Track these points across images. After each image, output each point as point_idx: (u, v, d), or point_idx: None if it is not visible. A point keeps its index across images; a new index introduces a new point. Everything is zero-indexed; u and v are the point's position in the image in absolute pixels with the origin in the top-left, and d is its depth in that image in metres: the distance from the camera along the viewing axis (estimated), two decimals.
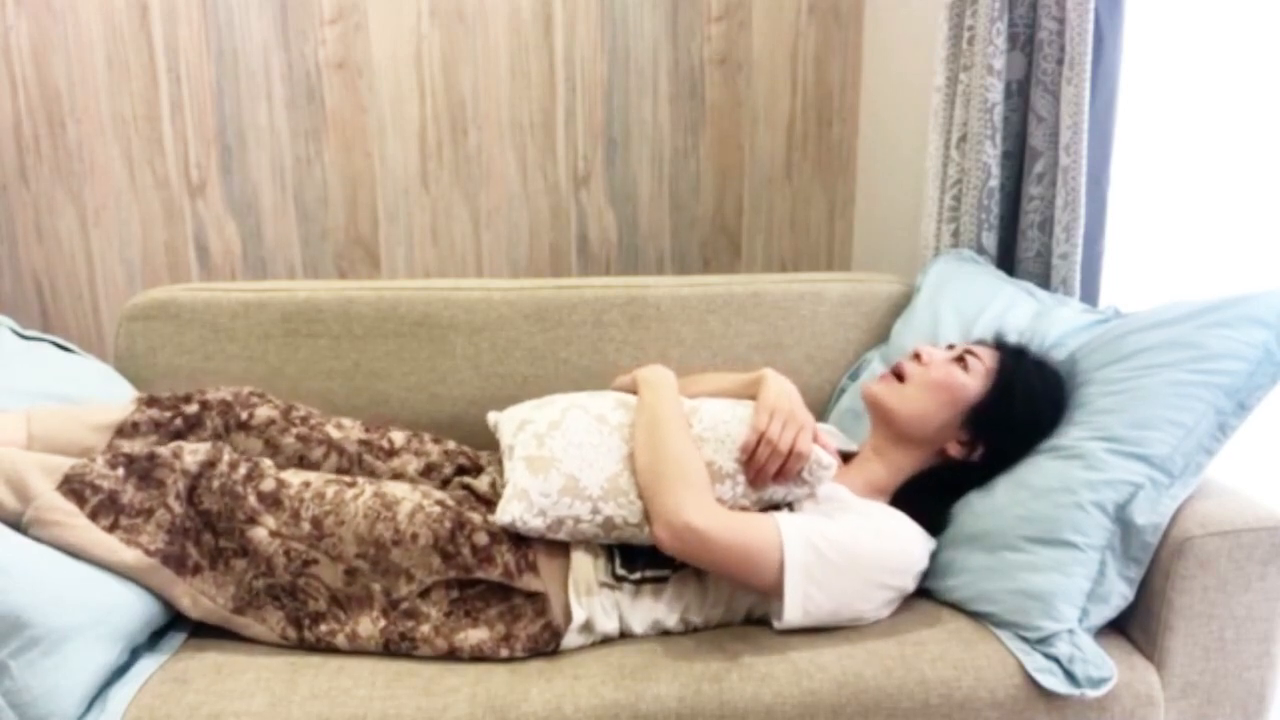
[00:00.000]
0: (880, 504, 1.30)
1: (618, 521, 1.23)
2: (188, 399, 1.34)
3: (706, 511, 1.17)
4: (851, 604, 1.20)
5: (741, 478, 1.25)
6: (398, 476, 1.38)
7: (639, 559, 1.24)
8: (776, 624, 1.20)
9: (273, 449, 1.34)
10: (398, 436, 1.42)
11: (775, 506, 1.27)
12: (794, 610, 1.17)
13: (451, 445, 1.46)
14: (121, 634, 1.11)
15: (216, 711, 1.08)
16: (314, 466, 1.36)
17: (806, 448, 1.24)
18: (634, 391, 1.37)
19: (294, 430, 1.36)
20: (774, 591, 1.19)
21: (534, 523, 1.21)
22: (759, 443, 1.24)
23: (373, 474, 1.37)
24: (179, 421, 1.32)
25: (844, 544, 1.19)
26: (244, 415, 1.35)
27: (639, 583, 1.23)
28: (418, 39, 2.10)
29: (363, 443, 1.39)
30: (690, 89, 2.22)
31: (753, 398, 1.33)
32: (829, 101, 2.28)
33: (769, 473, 1.24)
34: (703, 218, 2.30)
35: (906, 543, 1.25)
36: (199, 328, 1.63)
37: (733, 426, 1.27)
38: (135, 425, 1.30)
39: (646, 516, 1.22)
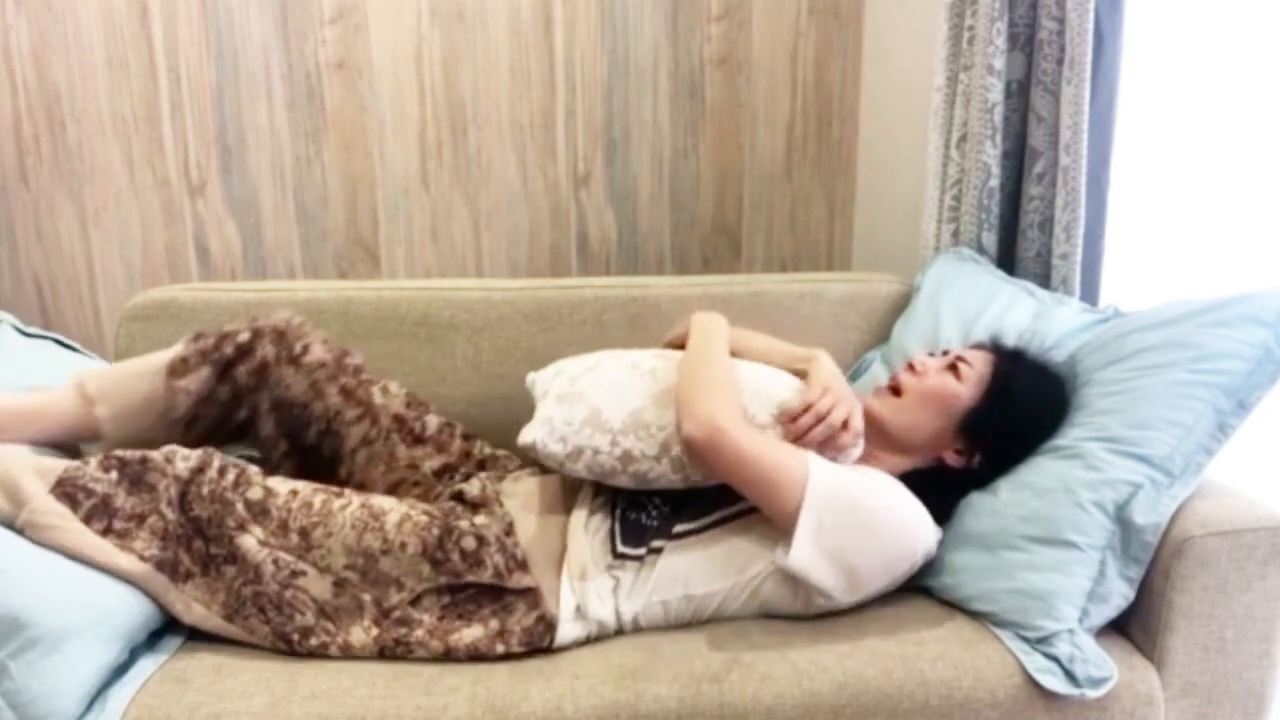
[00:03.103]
0: (899, 484, 1.29)
1: (635, 454, 1.24)
2: (236, 331, 1.32)
3: (739, 422, 1.19)
4: (856, 560, 1.18)
5: (771, 433, 1.25)
6: (400, 483, 1.36)
7: (643, 535, 1.25)
8: (779, 560, 1.18)
9: (315, 394, 1.32)
10: (432, 422, 1.40)
11: None
12: (802, 547, 1.15)
13: (476, 448, 1.46)
14: (120, 634, 1.11)
15: (216, 712, 1.08)
16: (343, 426, 1.34)
17: (860, 424, 1.26)
18: (682, 345, 1.38)
19: (341, 380, 1.34)
20: (787, 521, 1.17)
21: (554, 448, 1.24)
22: (804, 411, 1.24)
23: (391, 458, 1.35)
24: (229, 349, 1.30)
25: (866, 497, 1.19)
26: (298, 348, 1.32)
27: (640, 558, 1.23)
28: (418, 39, 2.10)
29: (397, 419, 1.37)
30: (690, 89, 2.22)
31: (798, 372, 1.35)
32: (829, 101, 2.28)
33: (814, 440, 1.24)
34: (703, 217, 2.30)
35: (921, 523, 1.24)
36: (199, 328, 1.62)
37: (773, 385, 1.29)
38: (184, 360, 1.29)
39: (664, 448, 1.24)
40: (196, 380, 1.29)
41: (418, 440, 1.38)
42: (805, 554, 1.16)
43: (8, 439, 1.24)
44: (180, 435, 1.32)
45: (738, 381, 1.27)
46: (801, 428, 1.24)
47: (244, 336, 1.31)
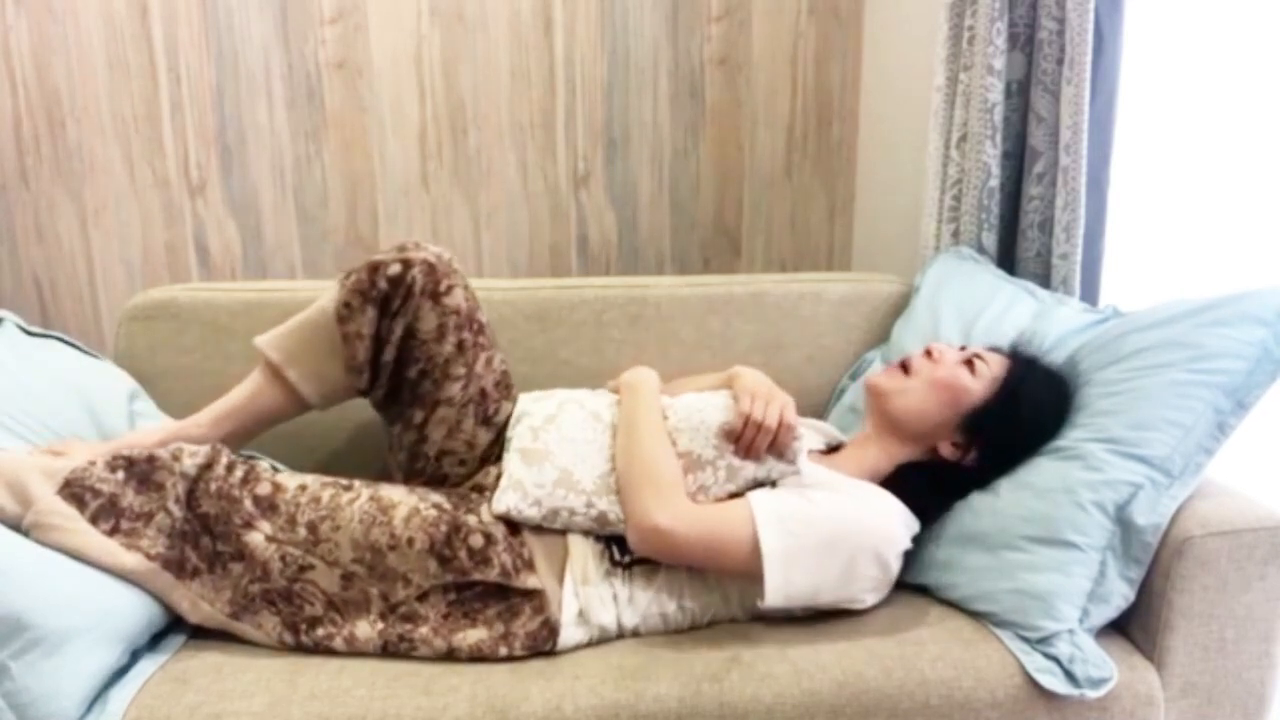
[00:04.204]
0: (863, 483, 1.30)
1: (611, 518, 1.25)
2: (386, 263, 1.31)
3: (673, 512, 1.21)
4: (832, 584, 1.21)
5: (722, 463, 1.27)
6: (450, 452, 1.36)
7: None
8: (760, 604, 1.21)
9: (438, 335, 1.32)
10: (505, 409, 1.40)
11: (759, 484, 1.28)
12: (775, 595, 1.19)
13: None
14: (122, 636, 1.11)
15: (216, 712, 1.08)
16: (443, 378, 1.34)
17: (793, 419, 1.28)
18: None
19: (462, 334, 1.34)
20: (753, 576, 1.20)
21: (529, 512, 1.25)
22: (745, 425, 1.27)
23: (457, 426, 1.35)
24: (383, 284, 1.30)
25: (819, 525, 1.20)
26: (443, 286, 1.33)
27: (631, 565, 1.24)
28: (418, 39, 2.10)
29: (481, 393, 1.37)
30: (690, 89, 2.22)
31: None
32: (829, 101, 2.28)
33: (761, 449, 1.27)
34: (703, 218, 2.30)
35: (884, 521, 1.25)
36: (199, 328, 1.63)
37: (706, 414, 1.31)
38: (348, 305, 1.30)
39: None
40: (365, 322, 1.30)
41: (485, 421, 1.38)
42: (780, 594, 1.20)
43: (237, 442, 1.30)
44: (368, 381, 1.34)
45: (668, 445, 1.29)
46: (747, 442, 1.27)
47: (395, 269, 1.31)
